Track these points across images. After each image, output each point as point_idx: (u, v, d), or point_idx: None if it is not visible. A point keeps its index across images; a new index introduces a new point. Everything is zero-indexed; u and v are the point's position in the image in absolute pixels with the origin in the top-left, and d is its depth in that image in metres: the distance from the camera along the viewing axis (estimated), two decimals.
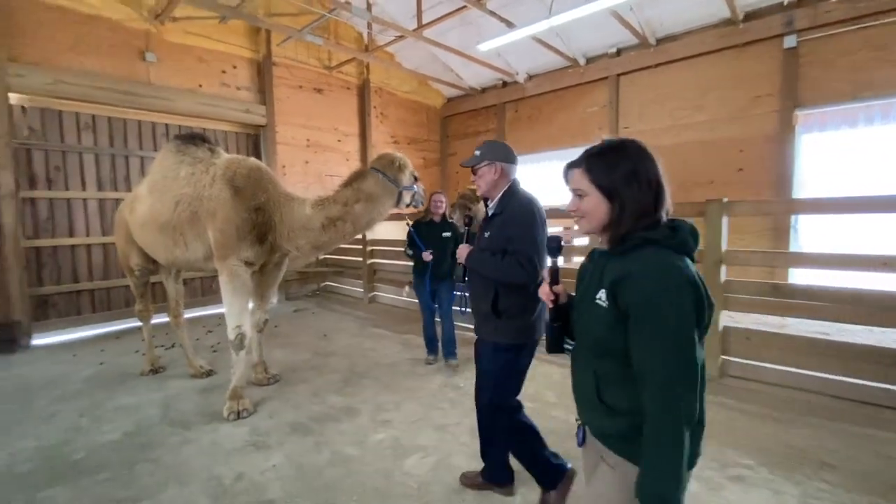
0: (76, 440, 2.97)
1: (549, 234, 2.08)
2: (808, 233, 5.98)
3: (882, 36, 5.37)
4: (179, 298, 4.30)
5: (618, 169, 1.14)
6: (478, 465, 2.61)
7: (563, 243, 1.45)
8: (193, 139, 3.69)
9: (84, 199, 5.92)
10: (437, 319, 4.44)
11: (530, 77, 8.89)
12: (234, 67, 7.20)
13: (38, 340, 5.35)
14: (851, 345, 3.30)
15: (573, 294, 1.36)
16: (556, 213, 5.82)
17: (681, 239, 1.11)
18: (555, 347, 1.37)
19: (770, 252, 5.14)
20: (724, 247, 3.67)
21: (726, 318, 3.85)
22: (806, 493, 2.28)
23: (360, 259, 7.45)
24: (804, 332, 3.71)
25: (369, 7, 7.48)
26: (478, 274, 2.17)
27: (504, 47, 7.17)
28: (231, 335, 3.35)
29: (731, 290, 3.70)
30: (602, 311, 1.14)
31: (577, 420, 1.33)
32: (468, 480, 2.42)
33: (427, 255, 4.14)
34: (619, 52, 7.68)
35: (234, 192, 3.30)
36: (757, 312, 3.82)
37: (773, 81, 6.22)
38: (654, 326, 1.04)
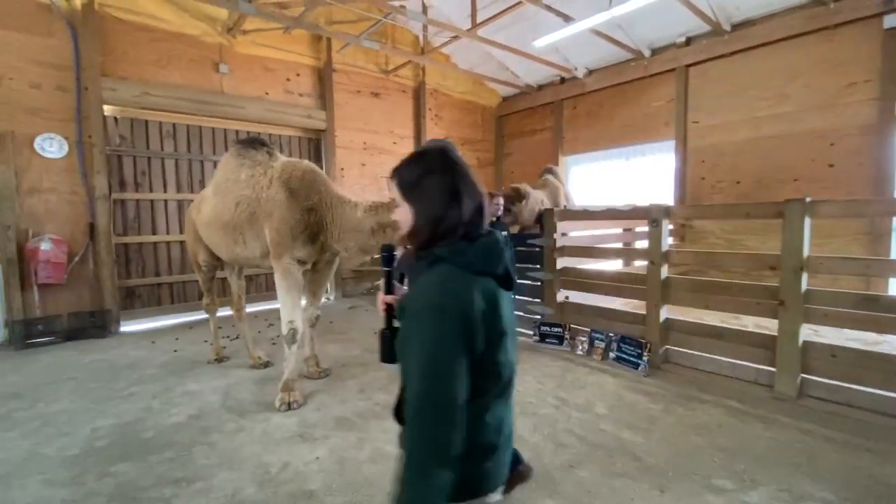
0: (147, 420, 3.25)
1: (382, 243, 1.98)
2: None
3: None
4: (241, 293, 4.58)
5: (414, 176, 1.11)
6: None
7: (395, 253, 1.38)
8: (253, 143, 3.91)
9: (165, 201, 6.51)
10: None
11: (590, 72, 8.54)
12: (298, 75, 7.58)
13: (125, 327, 5.95)
14: None
15: None
16: (615, 214, 5.55)
17: (467, 259, 1.03)
18: (384, 357, 1.26)
19: (864, 259, 4.47)
20: (805, 252, 3.28)
21: (808, 333, 3.44)
22: None
23: None
24: None
25: (425, 10, 7.54)
26: None
27: (561, 42, 6.93)
28: (284, 330, 3.51)
29: (813, 301, 3.29)
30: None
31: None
32: None
33: None
34: (688, 42, 7.16)
35: (290, 193, 3.45)
36: (847, 327, 3.39)
37: (870, 66, 5.51)
38: (414, 349, 0.97)
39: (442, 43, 8.48)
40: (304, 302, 3.87)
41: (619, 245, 6.48)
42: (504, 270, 1.08)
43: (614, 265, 5.80)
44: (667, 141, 7.64)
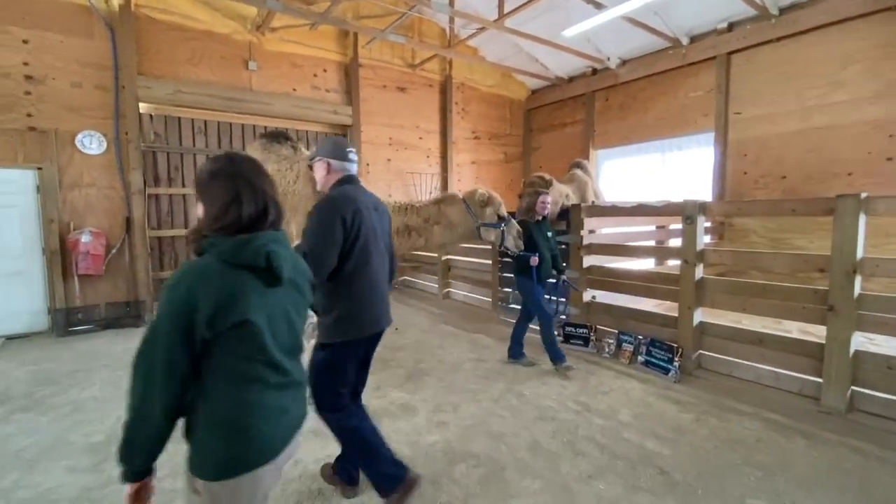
0: None
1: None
2: None
3: None
4: None
5: (200, 178, 1.26)
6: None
7: None
8: (277, 137, 3.92)
9: None
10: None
11: (623, 62, 8.19)
12: (325, 71, 7.62)
13: None
14: None
15: None
16: (646, 211, 5.28)
17: (220, 250, 1.16)
18: None
19: None
20: (859, 253, 2.98)
21: (861, 341, 3.14)
22: None
23: (436, 255, 7.47)
24: None
25: (451, 1, 7.42)
26: None
27: (593, 31, 6.66)
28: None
29: (867, 307, 2.99)
30: None
31: None
32: (327, 470, 2.41)
33: (535, 260, 3.89)
34: (730, 27, 6.74)
35: (315, 188, 3.44)
36: None
37: None
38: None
39: (469, 35, 8.33)
40: None
41: (651, 243, 6.18)
42: (265, 264, 1.16)
43: (645, 264, 5.53)
44: (705, 133, 7.23)
